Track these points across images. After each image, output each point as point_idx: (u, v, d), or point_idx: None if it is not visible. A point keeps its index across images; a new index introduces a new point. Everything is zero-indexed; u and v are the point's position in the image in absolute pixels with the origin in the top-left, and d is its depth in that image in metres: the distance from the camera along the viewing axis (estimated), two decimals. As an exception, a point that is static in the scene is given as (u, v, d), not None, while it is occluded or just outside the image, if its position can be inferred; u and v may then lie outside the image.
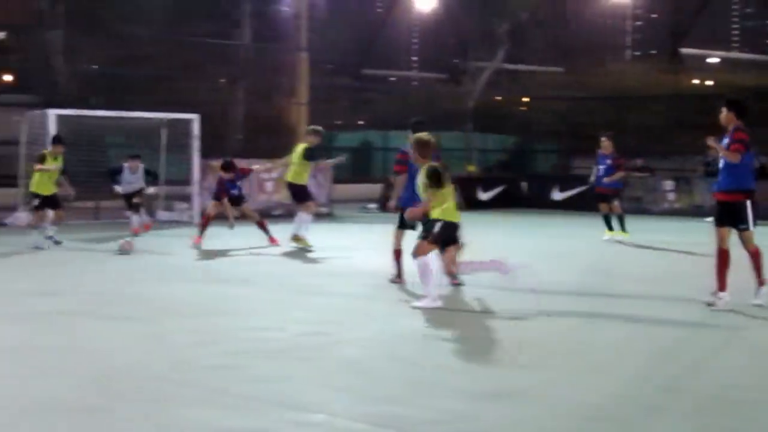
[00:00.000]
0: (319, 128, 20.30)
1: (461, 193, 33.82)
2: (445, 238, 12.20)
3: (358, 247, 19.55)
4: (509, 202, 34.03)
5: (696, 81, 47.60)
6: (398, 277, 14.16)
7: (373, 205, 31.89)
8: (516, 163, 42.72)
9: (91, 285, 13.98)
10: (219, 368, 8.54)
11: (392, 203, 14.42)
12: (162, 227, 24.28)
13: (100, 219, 26.14)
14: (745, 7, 53.04)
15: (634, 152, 32.51)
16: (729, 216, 12.00)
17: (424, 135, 12.85)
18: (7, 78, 45.24)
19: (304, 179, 19.41)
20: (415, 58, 56.78)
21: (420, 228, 12.61)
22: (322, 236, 20.31)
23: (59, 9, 33.60)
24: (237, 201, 20.16)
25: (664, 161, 33.30)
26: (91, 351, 9.32)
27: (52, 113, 24.16)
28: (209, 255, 18.16)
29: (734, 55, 51.33)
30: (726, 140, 12.02)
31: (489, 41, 46.01)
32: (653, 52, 59.50)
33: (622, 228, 21.26)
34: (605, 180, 21.49)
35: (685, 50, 49.33)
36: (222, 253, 18.46)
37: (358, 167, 42.67)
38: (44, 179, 19.30)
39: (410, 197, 13.18)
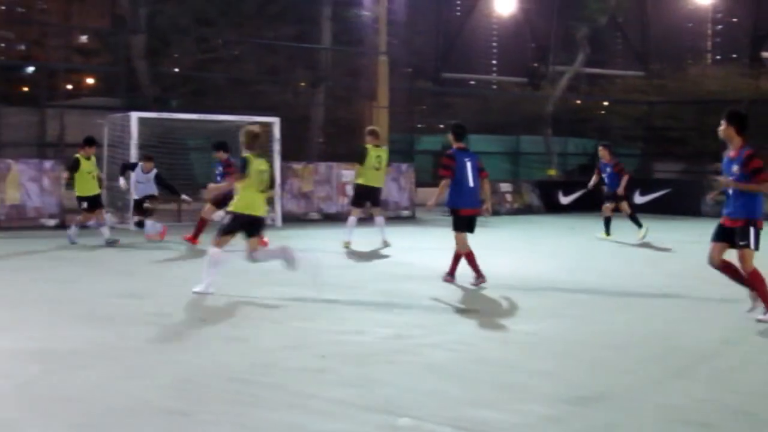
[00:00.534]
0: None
1: (541, 197, 33.78)
2: (235, 229, 13.28)
3: (440, 250, 19.45)
4: (590, 205, 33.70)
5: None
6: (478, 278, 14.24)
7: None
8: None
9: (174, 287, 14.02)
10: (304, 371, 8.50)
11: (431, 203, 14.97)
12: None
13: (182, 221, 26.32)
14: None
15: (714, 156, 32.09)
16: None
17: (255, 128, 13.73)
18: (90, 81, 45.83)
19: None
20: (494, 62, 56.61)
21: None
22: (404, 239, 20.29)
23: (142, 13, 33.95)
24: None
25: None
26: (175, 353, 9.34)
27: (134, 116, 24.39)
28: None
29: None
30: (735, 166, 11.22)
31: (568, 45, 45.84)
32: (734, 56, 58.81)
33: (638, 225, 22.16)
34: (618, 190, 22.63)
35: (766, 54, 48.73)
36: (306, 256, 18.46)
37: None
38: (86, 181, 19.61)
39: (456, 198, 14.24)
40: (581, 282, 14.10)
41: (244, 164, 13.16)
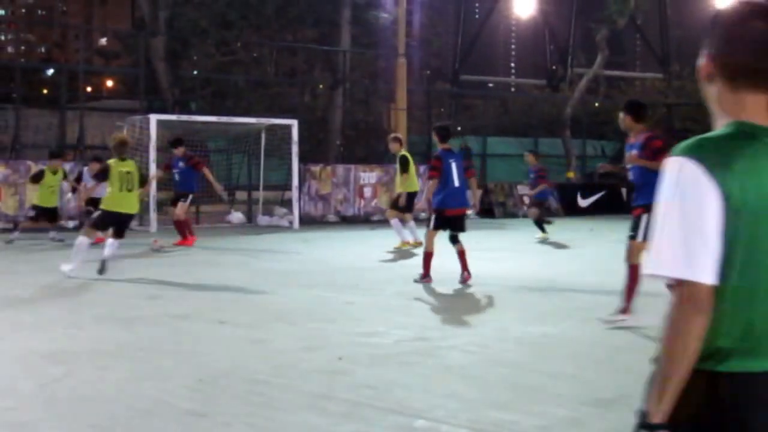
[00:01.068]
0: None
1: (560, 199, 33.76)
2: (103, 223, 15.70)
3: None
4: (610, 208, 33.70)
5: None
6: (424, 277, 14.72)
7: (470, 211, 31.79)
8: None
9: (195, 289, 14.10)
10: (323, 373, 8.53)
11: (421, 204, 15.25)
12: (262, 232, 24.47)
13: (200, 224, 26.42)
14: None
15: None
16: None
17: (121, 135, 16.62)
18: (110, 83, 46.06)
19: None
20: (513, 64, 56.63)
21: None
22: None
23: (162, 15, 34.07)
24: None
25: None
26: (196, 354, 9.39)
27: (153, 118, 24.49)
28: (313, 261, 18.23)
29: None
30: (634, 151, 10.93)
31: (587, 47, 45.82)
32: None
33: (542, 230, 22.64)
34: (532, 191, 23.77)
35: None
36: (326, 258, 18.54)
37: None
38: (46, 192, 20.07)
39: (443, 199, 14.54)
40: (600, 284, 14.07)
41: (105, 171, 15.61)
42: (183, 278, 15.44)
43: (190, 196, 20.63)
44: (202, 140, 27.72)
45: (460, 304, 12.98)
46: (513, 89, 59.24)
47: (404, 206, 20.27)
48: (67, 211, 24.15)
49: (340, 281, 15.06)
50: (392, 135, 21.37)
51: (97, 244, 17.38)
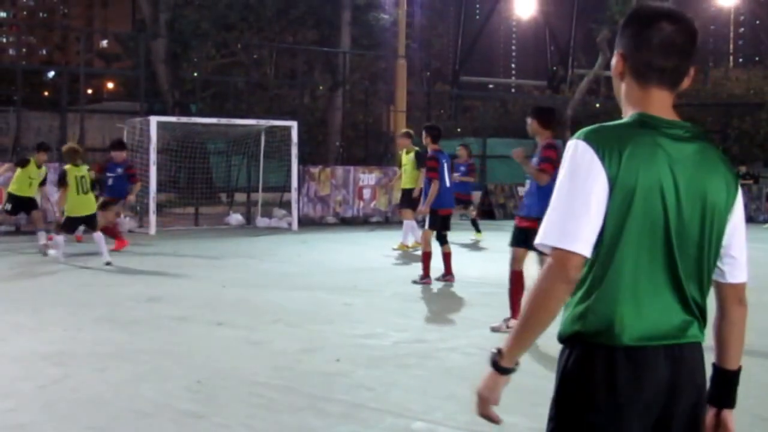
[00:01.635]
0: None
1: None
2: (70, 227, 17.21)
3: (458, 253, 19.50)
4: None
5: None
6: (424, 278, 14.83)
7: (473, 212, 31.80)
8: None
9: (194, 291, 14.09)
10: (321, 375, 8.55)
11: (424, 208, 15.13)
12: (261, 234, 24.47)
13: (199, 225, 26.42)
14: None
15: (737, 160, 32.03)
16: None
17: (73, 145, 17.90)
18: (111, 86, 46.10)
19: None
20: (513, 65, 56.69)
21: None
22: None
23: (163, 17, 34.09)
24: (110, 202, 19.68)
25: (767, 169, 32.77)
26: (195, 356, 9.40)
27: (154, 120, 24.47)
28: (311, 262, 18.23)
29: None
30: (535, 158, 10.86)
31: (588, 48, 45.79)
32: (756, 58, 58.57)
33: (477, 229, 22.78)
34: (458, 181, 21.88)
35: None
36: (325, 260, 18.54)
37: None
38: (24, 182, 19.41)
39: (436, 199, 14.65)
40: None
41: (63, 176, 16.65)
42: (182, 280, 15.43)
43: (121, 202, 20.01)
44: (202, 142, 27.71)
45: (459, 306, 12.99)
46: (513, 90, 59.25)
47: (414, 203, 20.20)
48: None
49: (338, 283, 15.06)
50: (404, 131, 21.20)
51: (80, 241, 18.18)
